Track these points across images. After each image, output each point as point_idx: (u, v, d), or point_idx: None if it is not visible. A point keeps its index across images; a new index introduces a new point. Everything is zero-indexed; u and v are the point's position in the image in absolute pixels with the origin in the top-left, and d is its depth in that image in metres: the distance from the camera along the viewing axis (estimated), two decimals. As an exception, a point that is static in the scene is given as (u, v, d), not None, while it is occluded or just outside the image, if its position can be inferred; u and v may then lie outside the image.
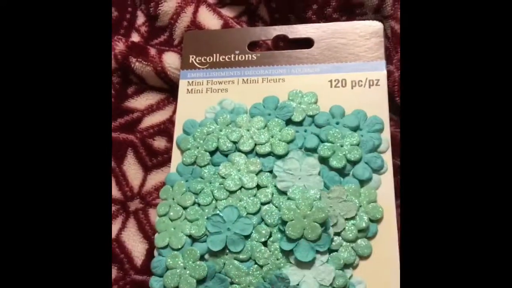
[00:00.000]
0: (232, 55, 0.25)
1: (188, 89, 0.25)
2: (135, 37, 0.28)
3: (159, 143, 0.26)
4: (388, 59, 0.25)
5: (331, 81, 0.24)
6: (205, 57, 0.26)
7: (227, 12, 0.28)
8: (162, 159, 0.26)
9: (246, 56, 0.25)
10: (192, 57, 0.26)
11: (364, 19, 0.26)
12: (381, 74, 0.24)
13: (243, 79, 0.25)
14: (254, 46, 0.26)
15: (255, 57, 0.25)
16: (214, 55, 0.26)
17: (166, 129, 0.26)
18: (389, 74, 0.24)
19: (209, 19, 0.27)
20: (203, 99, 0.25)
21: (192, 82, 0.25)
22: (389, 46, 0.26)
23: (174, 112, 0.27)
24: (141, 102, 0.27)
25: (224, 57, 0.26)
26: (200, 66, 0.26)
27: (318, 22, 0.26)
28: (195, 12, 0.27)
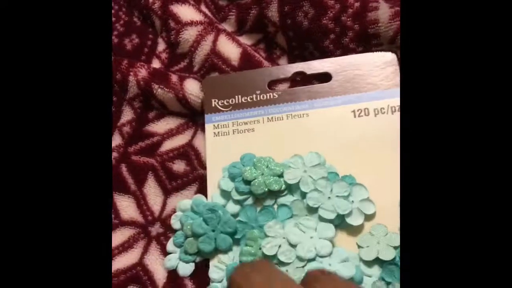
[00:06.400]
0: (254, 95, 0.26)
1: (214, 133, 0.26)
2: (155, 63, 0.29)
3: (178, 166, 0.27)
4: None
5: (354, 111, 0.25)
6: (227, 100, 0.26)
7: (246, 40, 0.29)
8: (181, 182, 0.27)
9: (268, 95, 0.26)
10: (215, 101, 0.26)
11: (379, 49, 0.27)
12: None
13: (267, 118, 0.26)
14: (273, 84, 0.27)
15: (276, 95, 0.26)
16: (236, 97, 0.26)
17: (185, 152, 0.27)
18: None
19: (228, 47, 0.28)
20: (230, 140, 0.26)
21: (218, 125, 0.26)
22: (403, 76, 0.27)
23: (193, 136, 0.28)
24: (161, 126, 0.28)
25: (246, 98, 0.26)
26: (223, 109, 0.26)
27: (335, 51, 0.27)
28: (215, 41, 0.28)
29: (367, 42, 0.27)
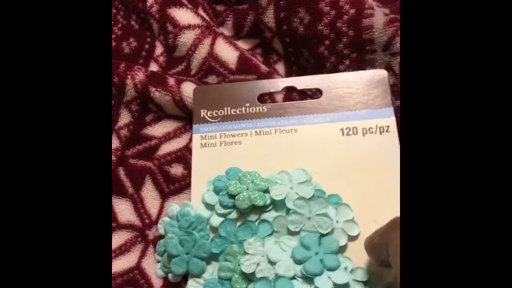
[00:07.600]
0: (243, 108, 0.26)
1: (202, 143, 0.26)
2: (153, 67, 0.29)
3: (176, 170, 0.27)
4: (396, 95, 0.27)
5: (342, 129, 0.25)
6: (216, 111, 0.26)
7: (243, 45, 0.29)
8: (179, 185, 0.27)
9: (257, 108, 0.26)
10: (203, 112, 0.26)
11: (373, 56, 0.28)
12: (391, 120, 0.25)
13: (255, 131, 0.26)
14: (263, 98, 0.27)
15: (266, 109, 0.26)
16: (225, 108, 0.26)
17: (182, 156, 0.27)
18: (397, 110, 0.26)
19: (226, 51, 0.28)
20: (217, 152, 0.25)
21: (205, 136, 0.26)
22: (397, 82, 0.27)
23: (190, 139, 0.28)
24: (158, 129, 0.28)
25: (235, 110, 0.26)
26: (212, 120, 0.26)
27: (330, 57, 0.28)
28: (212, 44, 0.28)
29: (360, 49, 0.28)
